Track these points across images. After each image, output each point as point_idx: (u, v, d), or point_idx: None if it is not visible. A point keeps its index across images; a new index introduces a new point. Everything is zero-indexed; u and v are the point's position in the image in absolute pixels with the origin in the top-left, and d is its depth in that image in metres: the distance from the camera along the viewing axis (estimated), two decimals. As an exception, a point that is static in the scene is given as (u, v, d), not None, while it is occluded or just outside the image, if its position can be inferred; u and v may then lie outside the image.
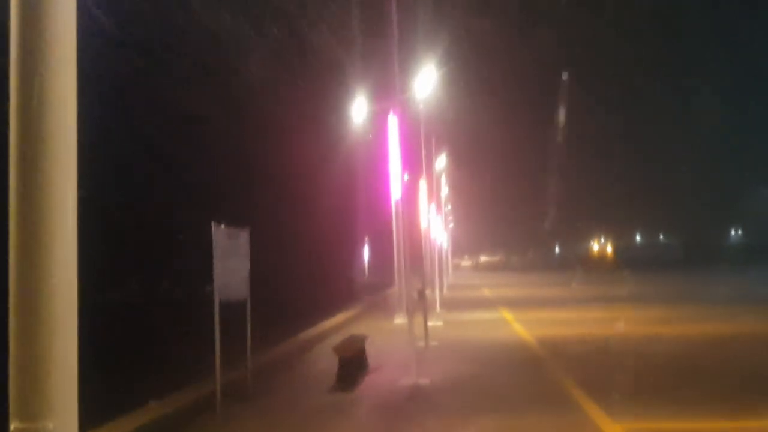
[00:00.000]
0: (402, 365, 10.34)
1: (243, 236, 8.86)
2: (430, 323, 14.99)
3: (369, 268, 41.64)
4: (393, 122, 16.98)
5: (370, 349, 11.45)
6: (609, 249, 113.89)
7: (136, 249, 10.71)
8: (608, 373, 10.22)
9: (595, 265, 78.62)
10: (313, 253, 22.83)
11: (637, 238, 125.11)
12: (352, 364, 9.98)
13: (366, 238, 39.17)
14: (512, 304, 24.33)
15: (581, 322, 18.16)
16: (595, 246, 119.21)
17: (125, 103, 11.80)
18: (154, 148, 12.59)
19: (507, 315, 20.15)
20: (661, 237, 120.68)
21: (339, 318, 17.96)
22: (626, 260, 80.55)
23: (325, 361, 10.81)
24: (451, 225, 51.72)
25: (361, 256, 40.08)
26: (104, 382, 8.42)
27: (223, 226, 8.37)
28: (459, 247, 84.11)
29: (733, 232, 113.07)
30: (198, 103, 13.58)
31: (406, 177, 19.60)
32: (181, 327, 10.57)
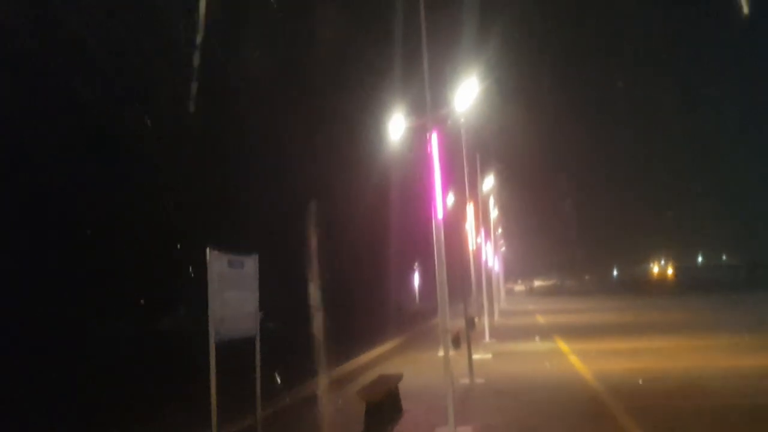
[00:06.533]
0: (442, 409, 8.91)
1: (249, 264, 7.59)
2: (478, 356, 13.66)
3: (420, 294, 40.11)
4: (434, 140, 15.82)
5: (408, 388, 10.16)
6: (669, 271, 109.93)
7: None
8: (687, 422, 8.68)
9: (654, 289, 75.54)
10: (357, 280, 21.61)
11: (699, 258, 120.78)
12: (382, 409, 8.64)
13: (416, 263, 37.74)
14: (568, 332, 22.60)
15: (644, 352, 16.43)
16: (655, 268, 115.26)
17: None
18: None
19: (562, 346, 18.49)
20: (723, 257, 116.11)
21: (378, 350, 16.62)
22: (687, 283, 77.42)
23: (356, 404, 9.46)
24: (503, 248, 49.91)
25: (411, 281, 38.61)
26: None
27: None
28: (513, 271, 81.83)
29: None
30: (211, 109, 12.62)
31: (450, 198, 18.43)
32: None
